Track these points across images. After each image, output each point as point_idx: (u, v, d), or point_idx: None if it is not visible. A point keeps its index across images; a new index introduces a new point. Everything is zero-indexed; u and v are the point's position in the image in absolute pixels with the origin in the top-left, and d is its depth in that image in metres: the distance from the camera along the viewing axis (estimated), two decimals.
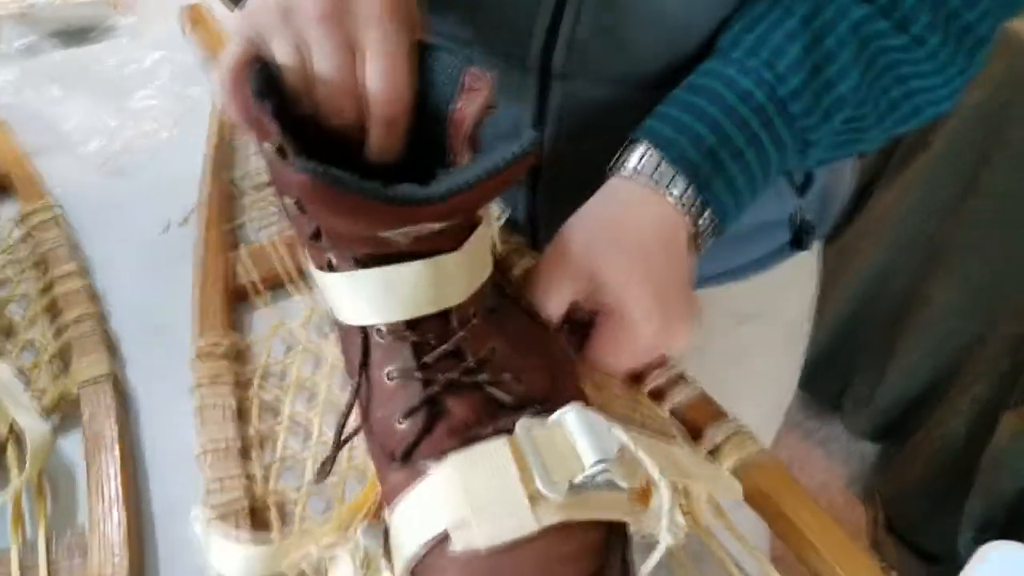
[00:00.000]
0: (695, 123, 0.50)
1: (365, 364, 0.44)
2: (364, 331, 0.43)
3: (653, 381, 0.52)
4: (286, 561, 0.44)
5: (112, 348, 0.58)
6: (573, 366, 0.49)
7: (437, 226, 0.40)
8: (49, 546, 0.48)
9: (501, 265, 0.58)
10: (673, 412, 0.51)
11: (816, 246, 0.75)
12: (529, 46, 0.57)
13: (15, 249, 0.65)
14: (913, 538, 1.43)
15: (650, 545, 0.39)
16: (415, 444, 0.41)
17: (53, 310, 0.60)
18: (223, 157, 0.71)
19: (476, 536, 0.37)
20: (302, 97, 0.44)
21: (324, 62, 0.43)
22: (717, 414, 0.50)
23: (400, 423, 0.42)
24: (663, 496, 0.39)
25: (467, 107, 0.43)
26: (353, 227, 0.40)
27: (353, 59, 0.43)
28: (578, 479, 0.38)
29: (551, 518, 0.37)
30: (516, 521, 0.37)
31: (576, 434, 0.39)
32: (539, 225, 0.65)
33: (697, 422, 0.50)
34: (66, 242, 0.65)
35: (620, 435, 0.39)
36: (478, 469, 0.39)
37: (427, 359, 0.42)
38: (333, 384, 0.56)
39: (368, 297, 0.42)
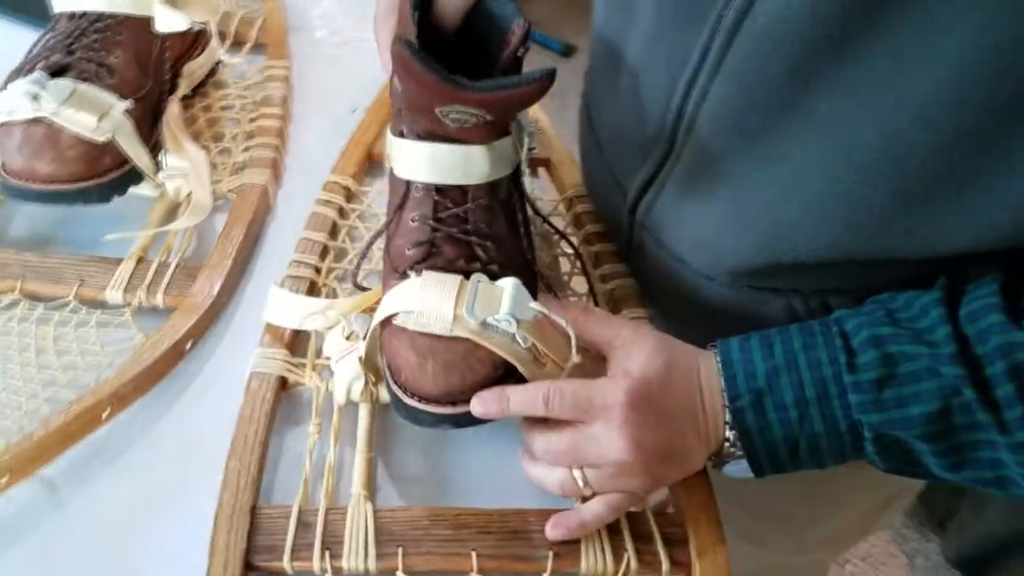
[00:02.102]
0: (758, 361, 0.54)
1: (401, 207, 0.61)
2: (407, 184, 0.60)
3: None
4: (305, 317, 0.64)
5: (275, 170, 0.80)
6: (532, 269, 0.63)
7: (473, 112, 0.55)
8: (178, 265, 0.70)
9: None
10: None
11: None
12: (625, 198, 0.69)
13: (249, 88, 0.88)
14: None
15: None
16: (413, 265, 0.58)
17: (251, 134, 0.83)
18: None
19: (414, 322, 0.54)
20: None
21: None
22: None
23: (409, 250, 0.59)
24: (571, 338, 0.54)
25: (510, 42, 0.58)
26: (422, 96, 0.55)
27: None
28: (489, 320, 0.54)
29: (460, 332, 0.53)
30: (439, 324, 0.54)
31: (505, 294, 0.55)
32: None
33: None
34: (283, 93, 0.86)
35: (534, 308, 0.55)
36: (434, 287, 0.55)
37: (441, 214, 0.58)
38: None
39: (417, 161, 0.59)
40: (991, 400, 0.48)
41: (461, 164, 0.58)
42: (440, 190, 0.58)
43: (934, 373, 0.49)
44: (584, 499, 0.56)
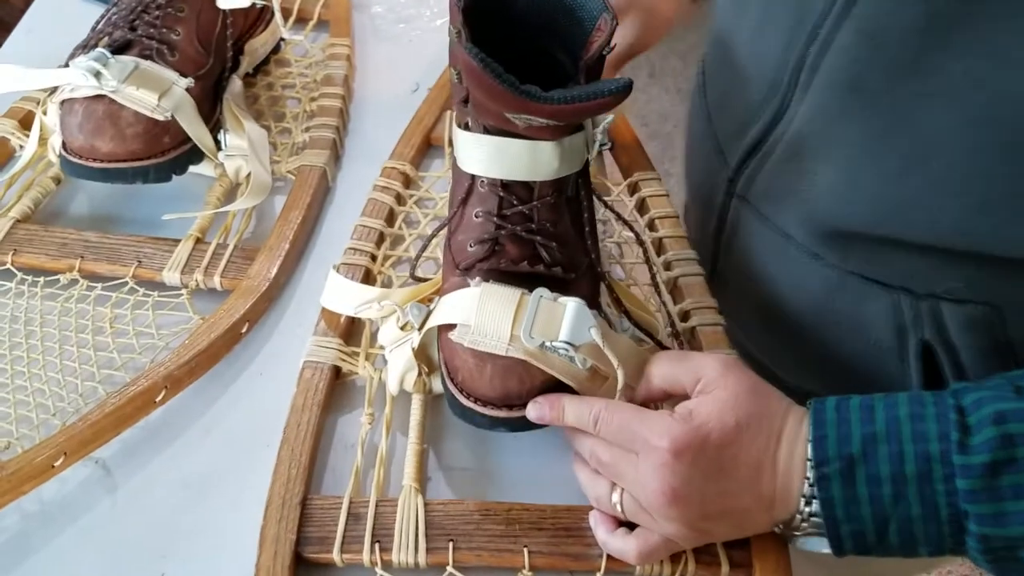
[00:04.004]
0: (855, 423, 0.47)
1: (464, 201, 0.59)
2: (472, 179, 0.58)
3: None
4: (359, 304, 0.62)
5: (335, 151, 0.79)
6: (595, 270, 0.60)
7: (544, 121, 0.54)
8: (236, 246, 0.69)
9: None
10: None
11: None
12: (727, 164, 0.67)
13: (311, 67, 0.87)
14: None
15: None
16: (475, 263, 0.57)
17: (312, 113, 0.81)
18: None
19: (470, 339, 0.53)
20: None
21: None
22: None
23: (471, 247, 0.57)
24: (618, 380, 0.53)
25: (595, 41, 0.56)
26: (489, 103, 0.54)
27: None
28: (546, 344, 0.52)
29: (516, 354, 0.52)
30: (494, 343, 0.52)
31: (566, 319, 0.53)
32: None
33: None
34: (345, 72, 0.85)
35: (595, 335, 0.52)
36: (493, 301, 0.53)
37: (505, 211, 0.57)
38: None
39: (483, 155, 0.57)
40: None
41: (529, 160, 0.56)
42: (506, 186, 0.56)
43: None
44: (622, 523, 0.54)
